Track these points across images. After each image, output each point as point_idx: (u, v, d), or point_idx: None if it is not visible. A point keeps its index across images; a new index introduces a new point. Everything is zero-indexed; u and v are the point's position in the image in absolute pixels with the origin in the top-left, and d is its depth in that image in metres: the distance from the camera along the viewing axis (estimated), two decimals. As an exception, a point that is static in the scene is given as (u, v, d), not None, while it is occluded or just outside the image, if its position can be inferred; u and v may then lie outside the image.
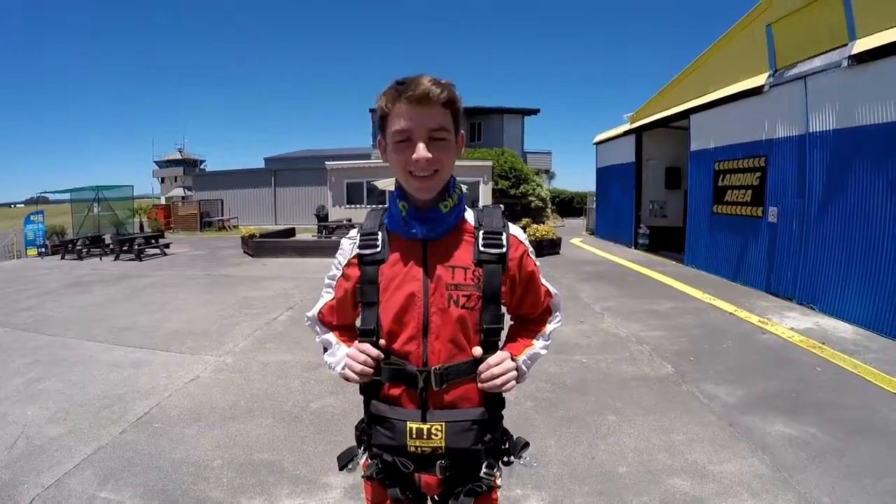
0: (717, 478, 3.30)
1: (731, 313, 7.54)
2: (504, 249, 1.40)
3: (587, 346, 6.06)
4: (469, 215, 1.46)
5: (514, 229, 1.47)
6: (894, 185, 6.27)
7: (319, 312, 1.60)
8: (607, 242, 17.47)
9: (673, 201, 15.69)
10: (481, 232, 1.40)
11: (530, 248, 1.50)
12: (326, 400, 4.66)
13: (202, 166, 68.85)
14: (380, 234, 1.43)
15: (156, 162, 72.12)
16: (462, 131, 1.42)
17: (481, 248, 1.38)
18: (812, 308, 7.66)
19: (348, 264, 1.47)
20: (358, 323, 1.45)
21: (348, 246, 1.49)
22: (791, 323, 6.94)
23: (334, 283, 1.53)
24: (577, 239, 18.92)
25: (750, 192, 9.46)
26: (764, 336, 6.41)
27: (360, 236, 1.45)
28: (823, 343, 6.02)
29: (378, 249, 1.41)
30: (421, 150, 1.28)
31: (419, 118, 1.28)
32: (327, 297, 1.57)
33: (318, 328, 1.61)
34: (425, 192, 1.35)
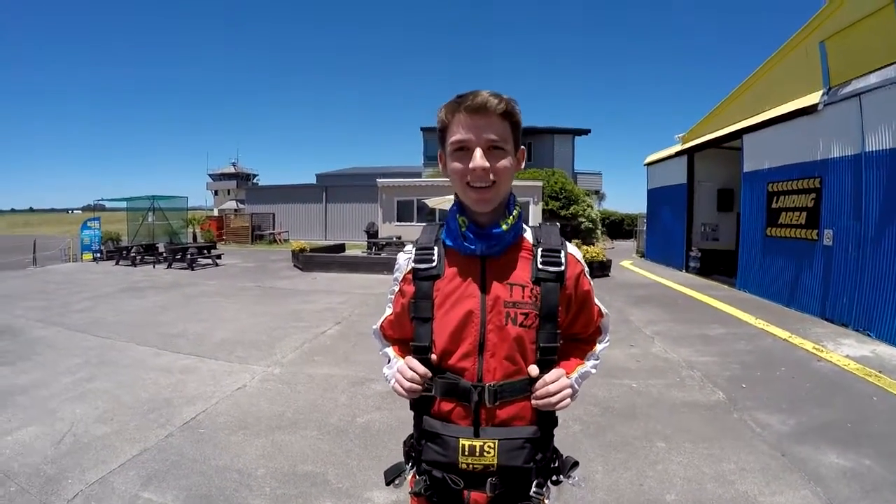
0: None
1: (784, 339, 7.31)
2: (563, 268, 1.39)
3: (637, 371, 5.97)
4: (527, 233, 1.46)
5: (572, 248, 1.46)
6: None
7: (381, 326, 1.62)
8: (658, 265, 17.16)
9: (725, 224, 15.33)
10: (540, 249, 1.40)
11: (586, 268, 1.50)
12: (373, 415, 4.69)
13: (255, 180, 70.90)
14: (436, 248, 1.42)
15: (210, 175, 74.54)
16: (522, 146, 1.42)
17: (540, 266, 1.38)
18: (868, 335, 7.35)
19: (404, 280, 1.47)
20: (412, 338, 1.44)
21: (404, 261, 1.49)
22: (847, 350, 6.68)
23: (393, 297, 1.54)
24: (627, 261, 18.64)
25: (804, 213, 9.19)
26: (818, 363, 6.19)
27: (416, 250, 1.44)
28: (881, 371, 5.77)
29: (433, 264, 1.40)
30: (478, 159, 1.29)
31: (477, 128, 1.29)
32: (388, 311, 1.58)
33: (380, 341, 1.64)
34: (483, 204, 1.35)
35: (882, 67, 7.20)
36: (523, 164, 1.46)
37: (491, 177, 1.31)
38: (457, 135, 1.32)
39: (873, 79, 7.37)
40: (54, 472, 3.59)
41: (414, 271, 1.43)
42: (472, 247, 1.37)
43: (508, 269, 1.38)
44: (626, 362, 6.27)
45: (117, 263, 17.19)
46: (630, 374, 5.87)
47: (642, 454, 4.00)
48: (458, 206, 1.43)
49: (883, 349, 6.77)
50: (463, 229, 1.39)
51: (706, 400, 5.10)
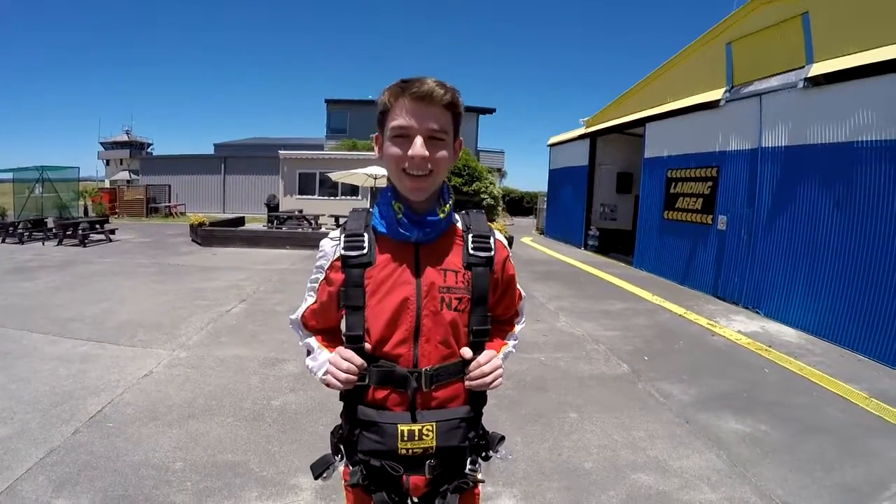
0: (678, 472, 3.44)
1: (680, 315, 7.84)
2: (492, 253, 1.43)
3: (545, 345, 6.18)
4: (457, 220, 1.48)
5: (498, 234, 1.50)
6: (839, 201, 6.66)
7: (302, 316, 1.55)
8: (557, 242, 17.83)
9: (623, 205, 16.17)
10: (470, 235, 1.42)
11: (510, 253, 1.55)
12: (287, 397, 4.57)
13: (150, 150, 66.06)
14: (366, 235, 1.39)
15: (101, 143, 68.57)
16: (460, 137, 1.43)
17: (471, 252, 1.40)
18: (757, 312, 8.04)
19: (331, 267, 1.43)
20: (342, 328, 1.42)
21: (330, 248, 1.44)
22: (738, 326, 7.27)
23: (317, 286, 1.49)
24: (528, 238, 19.23)
25: (701, 200, 9.84)
26: (713, 338, 6.69)
27: (345, 238, 1.41)
28: (770, 346, 6.34)
29: (364, 251, 1.37)
30: (418, 147, 1.28)
31: (420, 116, 1.28)
32: (310, 300, 1.52)
33: (300, 332, 1.57)
34: (418, 192, 1.34)
35: (784, 72, 7.78)
36: (458, 155, 1.46)
37: (429, 166, 1.31)
38: (398, 120, 1.30)
39: (774, 82, 7.97)
40: None
41: (343, 259, 1.39)
42: (408, 233, 1.36)
43: (441, 255, 1.40)
44: (533, 337, 6.46)
45: (3, 241, 15.50)
46: (538, 348, 6.07)
47: (557, 425, 4.18)
48: (392, 192, 1.41)
49: (771, 325, 7.43)
50: (399, 216, 1.37)
51: (612, 372, 5.37)
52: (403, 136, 1.30)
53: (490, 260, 1.42)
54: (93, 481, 3.22)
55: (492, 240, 1.44)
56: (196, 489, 3.18)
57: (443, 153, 1.33)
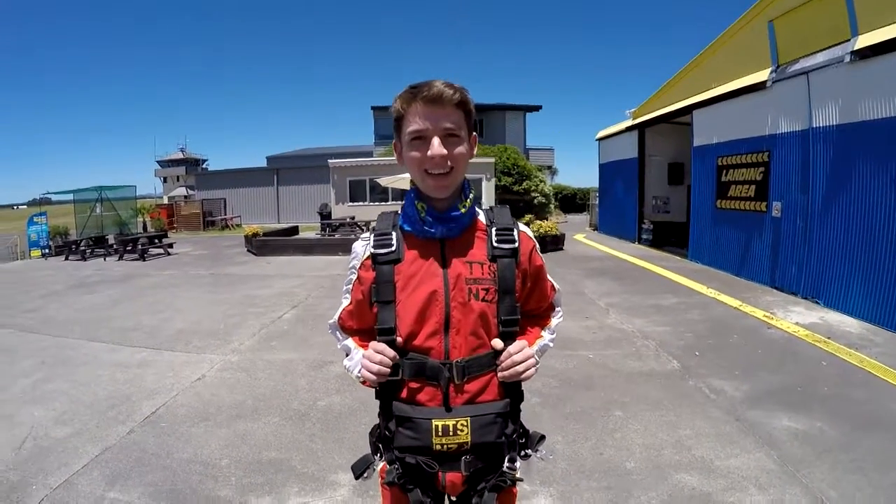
0: (724, 473, 3.31)
1: (735, 308, 7.55)
2: (516, 244, 1.44)
3: (593, 342, 6.08)
4: (481, 215, 1.50)
5: (523, 226, 1.52)
6: (896, 179, 6.26)
7: (339, 318, 1.60)
8: (611, 238, 17.48)
9: (676, 197, 15.69)
10: (494, 228, 1.45)
11: (537, 245, 1.55)
12: (333, 398, 4.67)
13: (204, 165, 68.84)
14: (394, 234, 1.44)
15: (158, 161, 71.90)
16: (475, 133, 1.46)
17: (495, 244, 1.43)
18: (817, 303, 7.65)
19: (362, 266, 1.48)
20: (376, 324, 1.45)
21: (361, 248, 1.50)
22: (796, 317, 6.94)
23: (351, 286, 1.54)
24: (581, 235, 18.94)
25: (753, 187, 9.46)
26: (769, 331, 6.41)
27: (374, 237, 1.46)
28: (829, 337, 6.02)
29: (393, 249, 1.42)
30: (436, 147, 1.32)
31: (434, 117, 1.33)
32: (345, 302, 1.58)
33: (338, 334, 1.62)
34: (441, 190, 1.39)
35: (829, 47, 7.39)
36: (475, 150, 1.49)
37: (448, 163, 1.36)
38: (414, 125, 1.35)
39: (821, 58, 7.57)
40: (17, 478, 3.46)
41: (373, 257, 1.44)
42: (432, 230, 1.41)
43: (466, 248, 1.43)
44: (581, 334, 6.38)
45: (67, 258, 16.51)
46: (586, 345, 5.98)
47: (601, 423, 4.09)
48: (415, 192, 1.46)
49: (831, 316, 7.05)
50: (422, 214, 1.42)
51: (661, 369, 5.23)
52: (421, 139, 1.35)
53: (515, 251, 1.44)
54: (143, 476, 3.43)
55: (516, 231, 1.46)
56: (240, 484, 3.32)
57: (460, 149, 1.38)
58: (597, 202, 21.02)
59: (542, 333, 1.58)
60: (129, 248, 16.14)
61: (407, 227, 1.45)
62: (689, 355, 5.57)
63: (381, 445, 1.48)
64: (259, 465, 3.56)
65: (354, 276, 1.52)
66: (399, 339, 1.39)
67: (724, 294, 8.39)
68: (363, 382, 1.42)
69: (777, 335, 6.23)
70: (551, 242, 14.54)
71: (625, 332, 6.47)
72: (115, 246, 16.73)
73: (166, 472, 3.48)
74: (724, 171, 10.47)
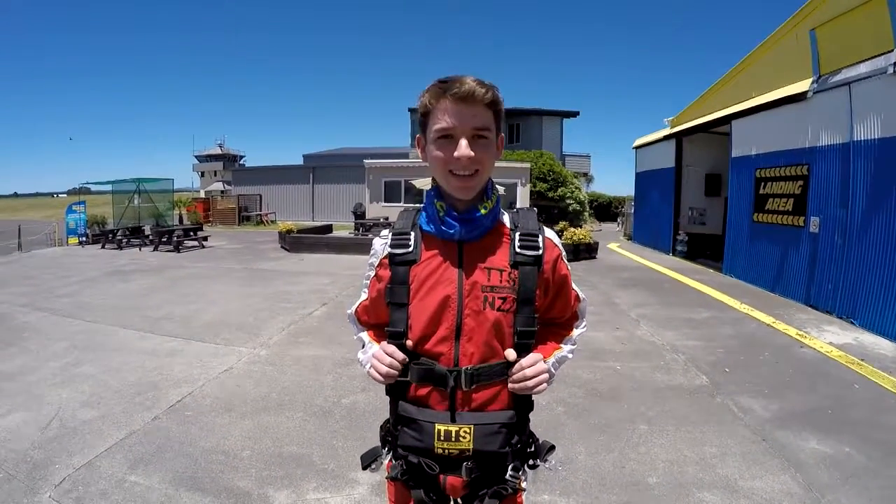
0: (747, 494, 3.23)
1: (768, 325, 7.38)
2: (540, 252, 1.40)
3: (622, 353, 6.01)
4: (505, 217, 1.46)
5: (549, 232, 1.47)
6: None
7: (356, 311, 1.62)
8: (645, 248, 17.23)
9: (713, 208, 15.38)
10: (518, 233, 1.40)
11: (564, 252, 1.50)
12: (358, 396, 4.72)
13: (241, 161, 70.12)
14: (412, 233, 1.42)
15: (196, 156, 73.52)
16: (502, 133, 1.41)
17: (518, 250, 1.38)
18: (852, 322, 7.43)
19: (380, 265, 1.47)
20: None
21: (380, 246, 1.49)
22: (830, 337, 6.75)
23: (368, 282, 1.54)
24: (615, 244, 18.73)
25: (792, 200, 9.22)
26: (802, 350, 6.26)
27: (392, 236, 1.44)
28: (863, 359, 5.84)
29: (410, 249, 1.40)
30: (463, 148, 1.28)
31: (463, 116, 1.28)
32: (363, 296, 1.58)
33: (356, 326, 1.64)
34: (465, 191, 1.35)
35: (872, 57, 7.17)
36: (502, 151, 1.45)
37: (475, 166, 1.32)
38: (441, 122, 1.30)
39: (863, 68, 7.35)
40: (41, 457, 3.58)
41: (390, 256, 1.43)
42: (451, 231, 1.37)
43: (486, 254, 1.39)
44: (611, 345, 6.31)
45: (103, 247, 17.05)
46: (615, 356, 5.92)
47: (625, 437, 4.04)
48: (437, 190, 1.42)
49: (866, 337, 6.84)
50: (441, 214, 1.38)
51: (690, 384, 5.15)
52: (447, 138, 1.31)
53: (539, 259, 1.39)
54: (165, 462, 3.52)
55: (540, 238, 1.41)
56: (259, 476, 3.38)
57: (488, 151, 1.33)
58: (631, 211, 20.71)
59: (562, 345, 1.53)
60: (164, 239, 16.55)
61: (426, 227, 1.42)
62: (718, 371, 5.47)
63: (388, 440, 1.48)
64: (280, 458, 3.62)
65: (372, 273, 1.51)
66: (409, 343, 1.38)
67: (758, 310, 8.20)
68: (373, 378, 1.41)
69: (809, 354, 6.08)
70: (585, 251, 14.42)
71: (654, 345, 6.38)
72: (150, 237, 17.22)
73: (188, 459, 3.57)
74: (762, 184, 10.23)
